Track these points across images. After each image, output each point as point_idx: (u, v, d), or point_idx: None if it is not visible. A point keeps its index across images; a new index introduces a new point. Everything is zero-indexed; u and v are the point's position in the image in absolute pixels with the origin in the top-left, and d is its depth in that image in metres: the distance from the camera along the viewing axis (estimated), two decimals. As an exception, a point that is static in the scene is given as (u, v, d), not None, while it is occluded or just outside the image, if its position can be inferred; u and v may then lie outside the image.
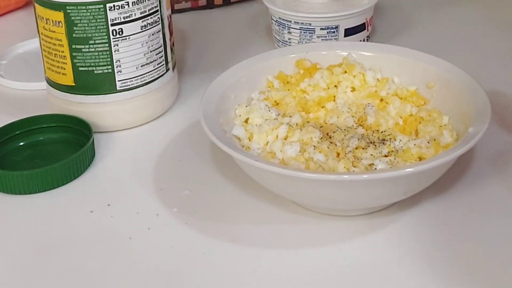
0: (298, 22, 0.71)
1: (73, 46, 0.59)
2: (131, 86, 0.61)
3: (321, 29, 0.70)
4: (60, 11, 0.58)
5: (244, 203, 0.54)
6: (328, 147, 0.52)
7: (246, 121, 0.56)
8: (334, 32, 0.70)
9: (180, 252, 0.49)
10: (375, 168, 0.50)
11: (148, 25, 0.61)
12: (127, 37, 0.60)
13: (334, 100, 0.59)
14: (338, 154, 0.53)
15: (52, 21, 0.59)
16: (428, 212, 0.52)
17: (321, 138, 0.53)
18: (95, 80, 0.60)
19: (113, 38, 0.59)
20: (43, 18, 0.60)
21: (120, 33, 0.59)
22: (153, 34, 0.61)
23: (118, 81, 0.61)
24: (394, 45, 0.63)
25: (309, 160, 0.51)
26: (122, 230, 0.52)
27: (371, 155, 0.52)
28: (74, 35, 0.59)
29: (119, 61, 0.60)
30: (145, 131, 0.63)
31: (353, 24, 0.71)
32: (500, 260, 0.48)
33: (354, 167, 0.51)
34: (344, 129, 0.55)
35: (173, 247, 0.50)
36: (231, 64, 0.60)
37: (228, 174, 0.57)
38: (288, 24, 0.71)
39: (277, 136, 0.54)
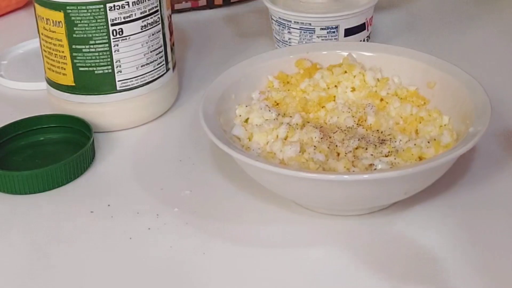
0: (298, 22, 0.71)
1: (73, 46, 0.59)
2: (131, 86, 0.61)
3: (321, 29, 0.70)
4: (60, 11, 0.58)
5: (244, 203, 0.54)
6: (328, 147, 0.52)
7: (246, 121, 0.56)
8: (334, 32, 0.70)
9: (180, 252, 0.49)
10: (375, 168, 0.50)
11: (148, 25, 0.61)
12: (127, 37, 0.60)
13: (334, 100, 0.59)
14: (338, 154, 0.53)
15: (52, 21, 0.59)
16: (428, 212, 0.52)
17: (321, 138, 0.53)
18: (95, 80, 0.60)
19: (113, 38, 0.59)
20: (43, 18, 0.60)
21: (120, 33, 0.59)
22: (153, 34, 0.61)
23: (118, 81, 0.61)
24: (394, 45, 0.63)
25: (309, 160, 0.51)
26: (122, 230, 0.52)
27: (371, 155, 0.52)
28: (74, 35, 0.59)
29: (119, 61, 0.60)
30: (145, 131, 0.63)
31: (353, 24, 0.71)
32: (500, 259, 0.48)
33: (354, 167, 0.51)
34: (344, 129, 0.55)
35: (173, 247, 0.50)
36: (231, 64, 0.60)
37: (228, 174, 0.57)
38: (288, 24, 0.71)
39: (277, 136, 0.54)
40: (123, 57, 0.60)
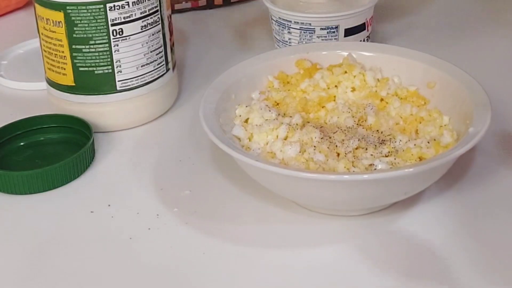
0: (298, 22, 0.71)
1: (73, 46, 0.59)
2: (131, 86, 0.61)
3: (321, 29, 0.70)
4: (60, 11, 0.58)
5: (244, 203, 0.54)
6: (328, 147, 0.52)
7: (246, 121, 0.56)
8: (334, 32, 0.70)
9: (180, 252, 0.49)
10: (375, 168, 0.50)
11: (148, 25, 0.61)
12: (127, 37, 0.60)
13: (334, 100, 0.59)
14: (338, 154, 0.53)
15: (52, 21, 0.59)
16: (428, 212, 0.52)
17: (321, 138, 0.53)
18: (95, 80, 0.60)
19: (113, 38, 0.59)
20: (43, 18, 0.60)
21: (120, 33, 0.59)
22: (153, 34, 0.61)
23: (118, 81, 0.61)
24: (394, 45, 0.63)
25: (309, 160, 0.51)
26: (122, 230, 0.52)
27: (371, 155, 0.52)
28: (74, 35, 0.59)
29: (119, 61, 0.60)
30: (145, 131, 0.63)
31: (353, 24, 0.71)
32: (500, 258, 0.48)
33: (354, 167, 0.51)
34: (344, 129, 0.55)
35: (173, 247, 0.50)
36: (231, 64, 0.60)
37: (228, 174, 0.57)
38: (288, 24, 0.71)
39: (277, 136, 0.54)
40: (123, 57, 0.60)
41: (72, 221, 0.53)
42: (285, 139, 0.54)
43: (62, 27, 0.59)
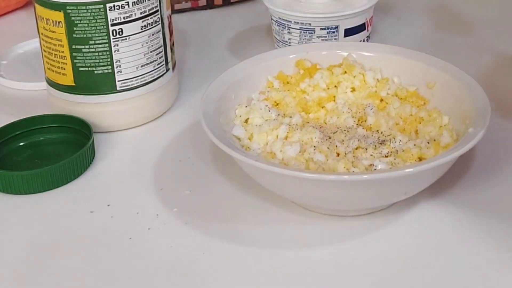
0: (298, 22, 0.71)
1: (73, 46, 0.59)
2: (131, 86, 0.61)
3: (321, 29, 0.70)
4: (60, 11, 0.58)
5: (244, 203, 0.54)
6: (328, 148, 0.52)
7: (246, 121, 0.56)
8: (334, 32, 0.70)
9: (180, 252, 0.49)
10: (375, 168, 0.50)
11: (148, 25, 0.61)
12: (127, 37, 0.60)
13: (334, 101, 0.59)
14: (338, 154, 0.53)
15: (52, 21, 0.59)
16: (428, 213, 0.52)
17: (321, 138, 0.53)
18: (95, 80, 0.60)
19: (113, 38, 0.59)
20: (43, 18, 0.60)
21: (120, 33, 0.59)
22: (153, 34, 0.61)
23: (118, 81, 0.61)
24: (394, 45, 0.63)
25: (309, 160, 0.51)
26: (122, 230, 0.52)
27: (371, 155, 0.52)
28: (74, 35, 0.59)
29: (119, 61, 0.60)
30: (145, 131, 0.63)
31: (353, 24, 0.71)
32: (500, 258, 0.48)
33: (354, 167, 0.51)
34: (344, 130, 0.55)
35: (173, 247, 0.50)
36: (231, 64, 0.60)
37: (228, 174, 0.57)
38: (288, 24, 0.71)
39: (277, 136, 0.54)
40: (123, 57, 0.60)
41: (72, 221, 0.53)
42: (285, 139, 0.54)
43: (62, 27, 0.59)
